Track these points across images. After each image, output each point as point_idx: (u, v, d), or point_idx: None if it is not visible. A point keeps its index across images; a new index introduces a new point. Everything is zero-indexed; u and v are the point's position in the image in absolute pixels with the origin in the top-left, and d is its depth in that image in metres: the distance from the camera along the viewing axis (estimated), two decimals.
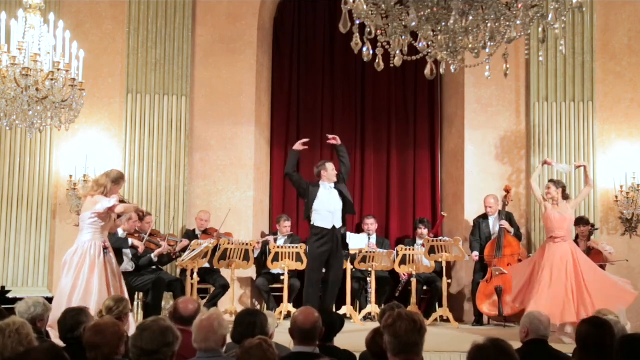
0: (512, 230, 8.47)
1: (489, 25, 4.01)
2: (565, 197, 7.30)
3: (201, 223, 8.60)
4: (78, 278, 6.06)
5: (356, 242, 8.36)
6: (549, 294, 6.77)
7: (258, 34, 9.28)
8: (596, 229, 8.39)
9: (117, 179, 6.32)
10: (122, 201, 6.49)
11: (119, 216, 6.65)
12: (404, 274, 8.59)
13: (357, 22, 4.06)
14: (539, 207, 7.56)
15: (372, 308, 8.20)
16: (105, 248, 6.20)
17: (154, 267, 8.00)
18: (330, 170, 7.68)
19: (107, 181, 6.27)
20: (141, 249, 7.76)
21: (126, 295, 6.22)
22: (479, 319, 8.41)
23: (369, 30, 4.18)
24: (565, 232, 7.12)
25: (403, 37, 4.17)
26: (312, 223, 7.65)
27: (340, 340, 4.47)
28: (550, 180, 7.49)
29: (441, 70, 4.72)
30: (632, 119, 9.03)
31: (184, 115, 8.93)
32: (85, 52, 6.52)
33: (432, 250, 8.21)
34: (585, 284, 6.85)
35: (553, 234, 7.07)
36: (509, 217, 8.58)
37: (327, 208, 7.58)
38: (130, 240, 7.66)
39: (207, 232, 8.53)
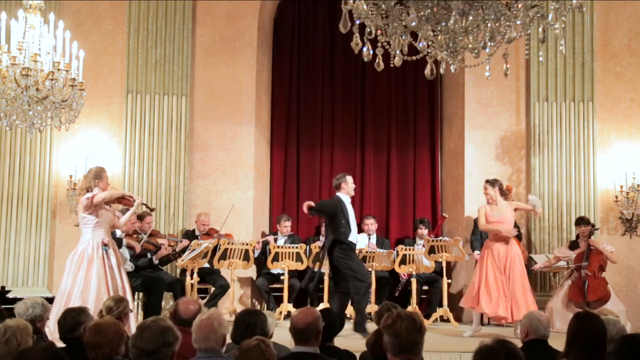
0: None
1: (489, 25, 4.01)
2: (504, 194, 7.33)
3: (203, 227, 8.58)
4: (76, 278, 6.08)
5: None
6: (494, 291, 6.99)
7: (258, 34, 9.28)
8: (596, 229, 8.39)
9: (98, 174, 6.30)
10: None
11: (123, 213, 6.65)
12: (404, 274, 8.60)
13: (357, 22, 4.06)
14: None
15: (372, 308, 8.19)
16: (104, 245, 6.20)
17: (153, 267, 8.00)
18: (350, 183, 7.33)
19: (88, 181, 6.27)
20: (137, 249, 7.76)
21: (129, 293, 6.23)
22: None
23: (369, 30, 4.18)
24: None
25: (403, 37, 4.17)
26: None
27: (340, 340, 4.47)
28: (486, 181, 7.48)
29: (441, 70, 4.72)
30: (632, 119, 9.03)
31: (184, 115, 8.93)
32: (85, 52, 6.52)
33: (432, 250, 8.21)
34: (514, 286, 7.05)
35: (492, 237, 7.19)
36: None
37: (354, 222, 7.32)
38: (124, 241, 7.65)
39: (207, 233, 8.52)
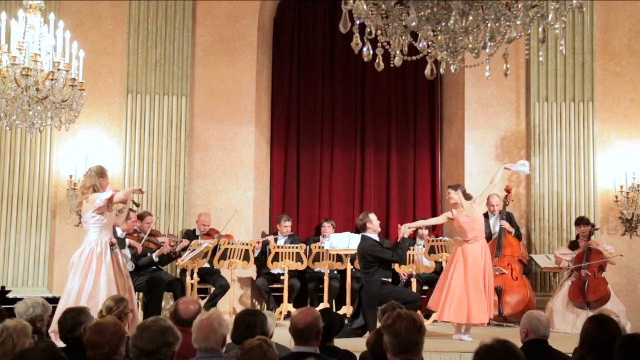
0: (512, 230, 8.47)
1: (489, 25, 4.01)
2: (468, 197, 7.26)
3: (204, 228, 8.58)
4: (86, 278, 6.00)
5: (356, 242, 8.34)
6: (466, 295, 6.90)
7: (258, 34, 9.29)
8: (596, 229, 8.39)
9: (101, 172, 6.27)
10: None
11: (118, 212, 6.63)
12: (404, 274, 8.60)
13: (357, 22, 4.06)
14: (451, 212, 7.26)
15: None
16: (111, 245, 6.19)
17: (154, 267, 8.00)
18: (374, 221, 7.34)
19: (93, 179, 6.22)
20: (139, 250, 7.75)
21: (133, 292, 6.22)
22: None
23: (369, 30, 4.18)
24: (477, 232, 7.13)
25: (403, 37, 4.17)
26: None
27: (341, 340, 4.47)
28: (449, 186, 7.44)
29: (441, 70, 4.72)
30: (632, 119, 9.03)
31: (184, 115, 8.93)
32: (85, 52, 6.51)
33: (432, 250, 8.22)
34: (486, 286, 7.02)
35: (466, 238, 7.08)
36: (509, 217, 8.58)
37: None
38: (127, 241, 7.65)
39: (208, 234, 8.52)
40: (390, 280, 7.37)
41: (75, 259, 6.15)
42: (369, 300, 7.03)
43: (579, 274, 7.87)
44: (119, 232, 7.60)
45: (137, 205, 7.28)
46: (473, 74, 9.06)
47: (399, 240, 7.27)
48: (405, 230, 7.24)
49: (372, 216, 7.36)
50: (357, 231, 9.26)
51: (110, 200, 6.11)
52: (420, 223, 7.84)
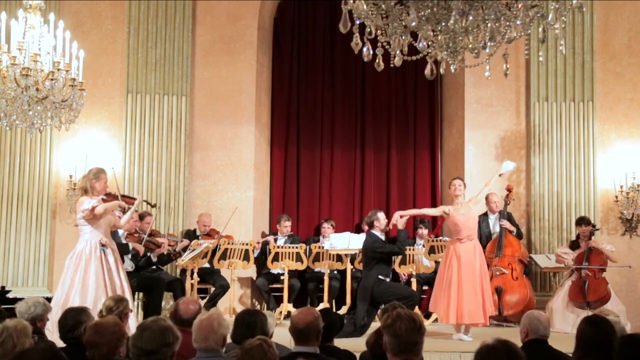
0: (513, 229, 8.46)
1: (489, 25, 4.01)
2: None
3: (204, 228, 8.58)
4: (74, 278, 6.07)
5: (356, 242, 8.35)
6: (458, 294, 6.90)
7: (258, 34, 9.29)
8: (597, 229, 8.38)
9: (96, 175, 6.29)
10: (115, 197, 6.47)
11: (124, 212, 6.64)
12: (404, 274, 8.60)
13: (357, 22, 4.06)
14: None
15: None
16: (102, 245, 6.19)
17: (154, 267, 8.00)
18: (382, 220, 7.41)
19: (85, 182, 6.26)
20: (141, 252, 7.76)
21: (128, 293, 6.23)
22: None
23: (369, 30, 4.18)
24: (471, 231, 7.12)
25: (403, 37, 4.17)
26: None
27: (341, 340, 4.47)
28: (458, 178, 7.51)
29: (441, 70, 4.71)
30: (632, 119, 9.03)
31: (184, 115, 8.93)
32: (85, 52, 6.52)
33: (432, 250, 8.22)
34: (483, 285, 7.02)
35: (459, 236, 7.05)
36: (509, 217, 8.57)
37: None
38: (130, 245, 7.66)
39: (208, 234, 8.52)
40: (388, 278, 7.41)
41: (67, 262, 6.21)
42: (362, 293, 7.26)
43: (579, 274, 7.87)
44: (120, 232, 7.60)
45: (154, 205, 7.27)
46: (473, 74, 9.06)
47: (393, 227, 7.35)
48: (398, 220, 7.26)
49: (381, 215, 7.45)
50: (357, 230, 9.30)
51: (92, 212, 6.12)
52: (413, 211, 7.85)
